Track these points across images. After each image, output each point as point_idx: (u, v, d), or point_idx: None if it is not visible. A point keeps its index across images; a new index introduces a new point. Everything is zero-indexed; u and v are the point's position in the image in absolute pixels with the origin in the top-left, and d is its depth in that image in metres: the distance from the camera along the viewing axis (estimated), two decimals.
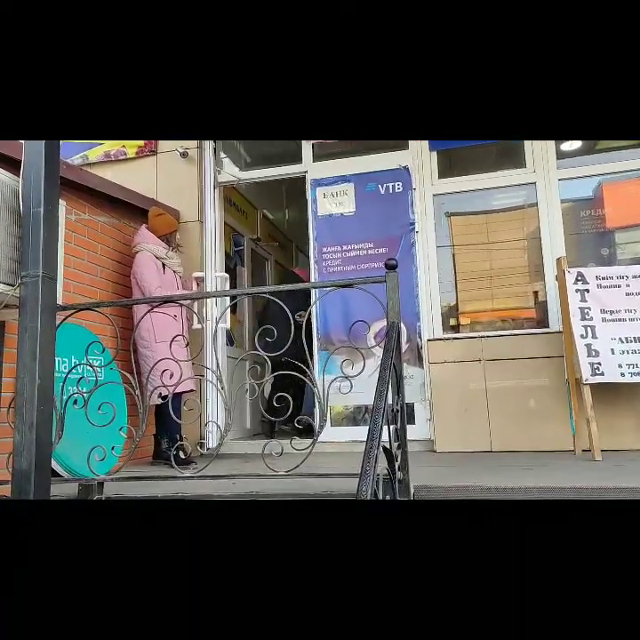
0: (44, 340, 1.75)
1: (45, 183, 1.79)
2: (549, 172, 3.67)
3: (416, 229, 3.79)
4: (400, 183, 3.86)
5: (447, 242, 3.85)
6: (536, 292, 3.69)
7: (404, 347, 3.62)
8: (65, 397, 2.06)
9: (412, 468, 1.95)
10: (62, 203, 2.11)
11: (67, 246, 2.84)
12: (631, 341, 2.86)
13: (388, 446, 1.64)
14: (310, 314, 3.73)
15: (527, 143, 3.73)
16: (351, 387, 1.87)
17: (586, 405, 2.78)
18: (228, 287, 3.93)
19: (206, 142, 4.11)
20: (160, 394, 2.38)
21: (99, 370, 2.24)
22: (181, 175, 4.05)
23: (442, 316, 3.75)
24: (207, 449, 3.42)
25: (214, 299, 3.78)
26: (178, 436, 3.06)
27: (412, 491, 1.96)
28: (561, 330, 3.20)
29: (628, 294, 2.94)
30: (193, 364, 2.83)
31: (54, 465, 2.35)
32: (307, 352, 2.06)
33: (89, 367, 2.19)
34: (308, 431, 3.26)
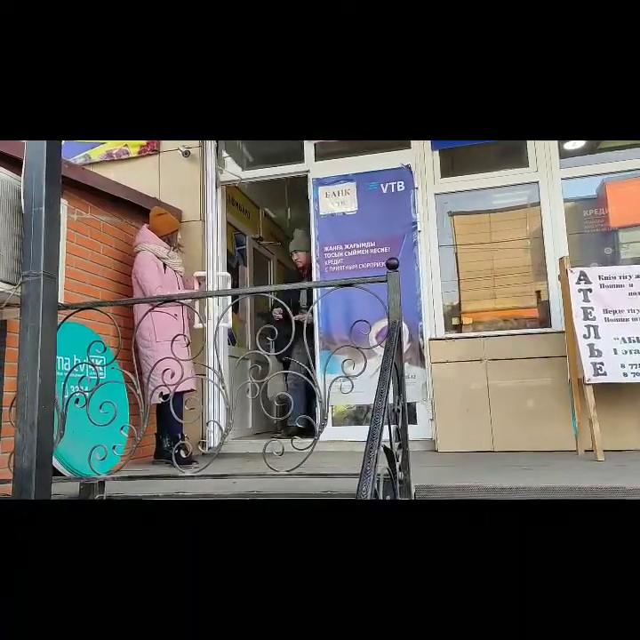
0: (46, 339, 1.75)
1: (47, 183, 1.79)
2: (552, 171, 3.66)
3: (418, 229, 3.78)
4: (402, 182, 3.85)
5: (450, 241, 3.84)
6: (538, 292, 3.68)
7: (406, 346, 3.62)
8: (66, 396, 2.07)
9: (414, 468, 1.95)
10: (64, 202, 2.11)
11: (69, 245, 2.85)
12: (634, 341, 2.85)
13: (389, 446, 1.64)
14: (312, 313, 3.76)
15: (530, 143, 3.71)
16: (352, 386, 1.87)
17: (588, 406, 2.77)
18: (229, 286, 3.93)
19: (208, 142, 4.11)
20: (161, 393, 2.38)
21: (100, 369, 2.25)
22: (184, 174, 4.06)
23: (444, 316, 3.74)
24: (208, 448, 3.42)
25: (216, 298, 3.79)
26: (179, 436, 3.07)
27: (413, 491, 1.95)
28: (563, 330, 3.19)
29: (630, 294, 2.93)
30: (194, 363, 2.83)
31: (56, 464, 2.35)
32: (309, 353, 2.06)
33: (90, 366, 2.20)
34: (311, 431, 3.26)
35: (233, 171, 4.28)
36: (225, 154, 4.35)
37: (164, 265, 3.33)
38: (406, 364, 3.51)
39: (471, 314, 3.78)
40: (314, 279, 3.89)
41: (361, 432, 3.63)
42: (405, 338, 3.59)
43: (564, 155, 3.68)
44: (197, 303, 3.69)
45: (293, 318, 2.09)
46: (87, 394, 2.04)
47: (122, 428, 2.29)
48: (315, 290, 3.66)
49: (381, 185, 3.88)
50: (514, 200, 3.83)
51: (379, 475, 1.30)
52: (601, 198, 3.66)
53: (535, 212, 3.70)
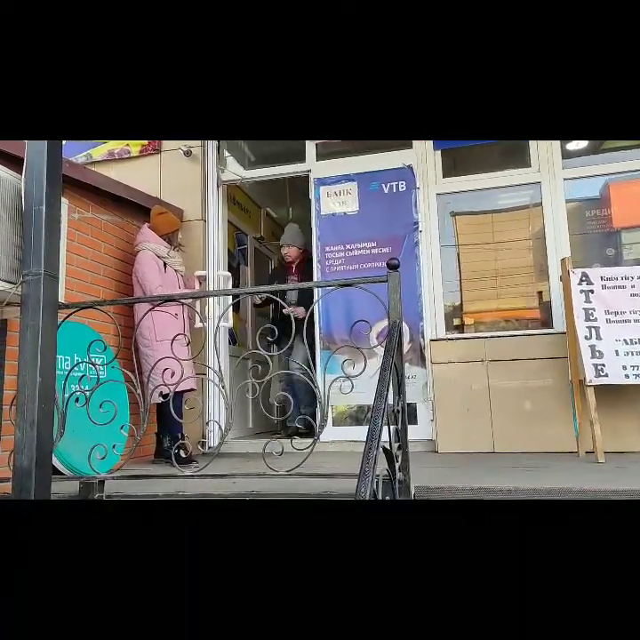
0: (46, 338, 1.75)
1: (48, 182, 1.79)
2: (554, 171, 3.65)
3: (420, 229, 3.78)
4: (404, 182, 3.84)
5: (451, 241, 3.84)
6: (540, 293, 3.67)
7: (407, 347, 3.61)
8: (67, 395, 2.07)
9: (414, 469, 1.94)
10: (65, 201, 2.11)
11: (70, 244, 2.85)
12: (636, 343, 2.84)
13: (389, 447, 1.63)
14: (312, 312, 3.75)
15: (532, 143, 3.70)
16: (352, 387, 1.87)
17: (589, 407, 2.76)
18: (230, 286, 3.93)
19: (210, 141, 4.10)
20: (161, 392, 2.38)
21: (100, 368, 2.25)
22: (185, 174, 4.06)
23: (445, 316, 3.73)
24: (208, 448, 3.42)
25: (216, 297, 3.78)
26: (179, 435, 3.07)
27: (412, 491, 1.95)
28: (565, 331, 3.18)
29: (632, 295, 2.92)
30: (194, 362, 2.83)
31: (55, 462, 2.36)
32: (308, 353, 2.06)
33: (91, 365, 2.20)
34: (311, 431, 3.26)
35: (234, 170, 4.28)
36: (226, 153, 4.35)
37: (165, 264, 3.33)
38: (407, 365, 3.50)
39: (472, 314, 3.77)
40: (314, 279, 3.89)
41: (361, 432, 3.61)
42: (406, 338, 3.58)
43: (566, 155, 3.67)
44: (198, 302, 3.69)
45: (285, 311, 2.08)
46: (87, 393, 2.04)
47: (122, 428, 2.29)
48: (315, 289, 3.65)
49: (383, 185, 3.88)
50: (516, 200, 3.82)
51: (378, 476, 1.29)
52: (604, 199, 3.65)
53: (537, 213, 3.69)
